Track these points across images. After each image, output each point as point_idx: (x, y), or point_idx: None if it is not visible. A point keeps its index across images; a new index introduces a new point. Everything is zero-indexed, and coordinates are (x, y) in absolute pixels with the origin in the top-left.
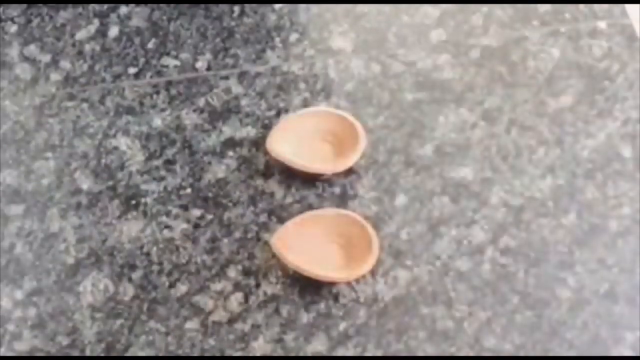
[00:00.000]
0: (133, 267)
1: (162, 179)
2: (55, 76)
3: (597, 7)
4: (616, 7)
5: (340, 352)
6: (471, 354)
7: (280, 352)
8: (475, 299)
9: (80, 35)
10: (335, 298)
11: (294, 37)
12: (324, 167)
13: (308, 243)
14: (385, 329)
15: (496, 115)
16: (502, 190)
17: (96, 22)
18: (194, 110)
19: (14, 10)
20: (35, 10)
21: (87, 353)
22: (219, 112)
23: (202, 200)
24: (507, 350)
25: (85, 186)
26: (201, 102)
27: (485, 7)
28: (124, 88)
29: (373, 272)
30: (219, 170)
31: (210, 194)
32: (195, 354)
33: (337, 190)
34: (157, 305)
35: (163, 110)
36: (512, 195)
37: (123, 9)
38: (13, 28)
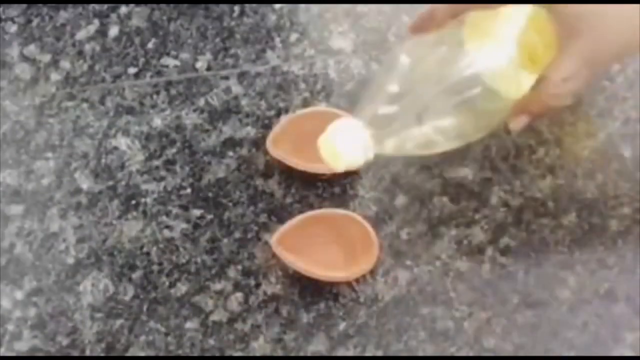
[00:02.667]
0: (133, 267)
1: (162, 179)
2: (55, 76)
3: None
4: None
5: (340, 352)
6: (471, 354)
7: (280, 352)
8: (475, 299)
9: (80, 35)
10: (335, 298)
11: (294, 37)
12: (324, 167)
13: (308, 243)
14: (385, 329)
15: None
16: (502, 190)
17: (96, 22)
18: (194, 110)
19: (14, 10)
20: (35, 10)
21: (87, 353)
22: (219, 112)
23: (202, 200)
24: (507, 350)
25: (85, 186)
26: (201, 102)
27: None
28: (124, 88)
29: (373, 272)
30: (219, 170)
31: (210, 194)
32: (195, 354)
33: (337, 190)
34: (157, 305)
35: (163, 110)
36: (512, 195)
37: (123, 9)
38: (13, 28)
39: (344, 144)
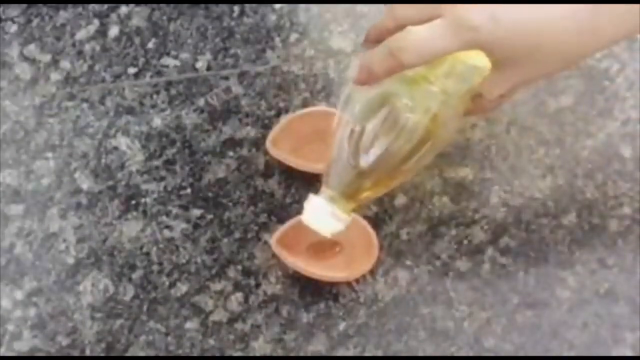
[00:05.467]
0: (133, 267)
1: (162, 179)
2: (55, 76)
3: None
4: None
5: (340, 352)
6: (471, 354)
7: (280, 352)
8: (475, 299)
9: (80, 35)
10: (335, 298)
11: (294, 37)
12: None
13: (308, 243)
14: (385, 329)
15: (496, 115)
16: (502, 190)
17: (96, 22)
18: (194, 110)
19: (14, 10)
20: (35, 10)
21: (87, 353)
22: (219, 112)
23: (202, 200)
24: (507, 350)
25: (85, 186)
26: (201, 102)
27: None
28: (124, 88)
29: (373, 272)
30: (219, 170)
31: (210, 194)
32: (195, 354)
33: None
34: (157, 305)
35: (163, 110)
36: (512, 195)
37: (123, 9)
38: (13, 28)
39: (319, 225)
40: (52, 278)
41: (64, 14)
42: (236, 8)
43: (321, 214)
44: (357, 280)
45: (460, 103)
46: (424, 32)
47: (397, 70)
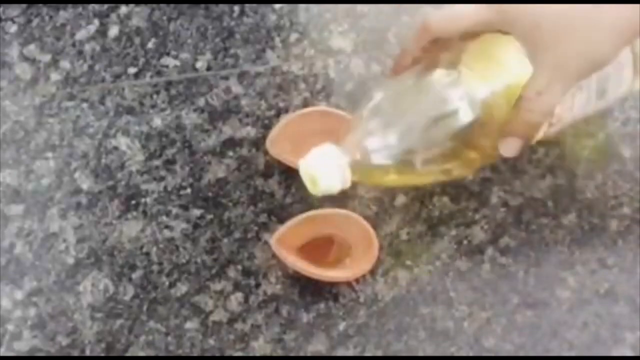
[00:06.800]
0: (133, 267)
1: (162, 179)
2: (55, 76)
3: None
4: None
5: (340, 352)
6: (471, 354)
7: (280, 352)
8: (475, 299)
9: (80, 35)
10: (335, 298)
11: (294, 37)
12: None
13: (308, 243)
14: (385, 329)
15: None
16: (502, 190)
17: (96, 22)
18: (194, 110)
19: (14, 10)
20: (35, 10)
21: (87, 353)
22: (219, 112)
23: (202, 200)
24: (507, 350)
25: (85, 186)
26: (201, 102)
27: None
28: (124, 88)
29: (373, 272)
30: (219, 170)
31: (210, 194)
32: (195, 354)
33: None
34: (157, 305)
35: (163, 110)
36: (512, 195)
37: (123, 9)
38: (13, 28)
39: (322, 170)
40: (52, 278)
41: (64, 14)
42: (236, 8)
43: (328, 160)
44: (357, 280)
45: (501, 117)
46: (454, 5)
47: (426, 38)
